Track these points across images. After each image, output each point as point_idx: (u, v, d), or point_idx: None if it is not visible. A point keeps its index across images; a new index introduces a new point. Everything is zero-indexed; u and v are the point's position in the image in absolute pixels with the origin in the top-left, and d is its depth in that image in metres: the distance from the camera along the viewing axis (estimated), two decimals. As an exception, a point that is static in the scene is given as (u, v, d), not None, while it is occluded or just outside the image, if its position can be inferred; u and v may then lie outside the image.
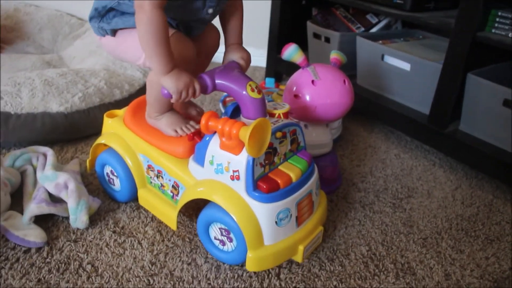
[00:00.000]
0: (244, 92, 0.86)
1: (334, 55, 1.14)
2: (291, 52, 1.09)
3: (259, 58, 1.97)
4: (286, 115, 0.94)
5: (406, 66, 1.43)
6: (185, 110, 1.09)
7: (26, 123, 1.30)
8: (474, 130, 1.31)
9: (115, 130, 1.08)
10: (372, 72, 1.54)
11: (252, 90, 0.86)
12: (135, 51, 0.95)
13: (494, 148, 1.26)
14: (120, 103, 1.45)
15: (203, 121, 0.85)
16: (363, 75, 1.58)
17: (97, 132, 1.38)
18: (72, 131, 1.36)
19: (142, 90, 1.54)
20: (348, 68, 1.50)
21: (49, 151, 1.17)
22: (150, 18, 0.81)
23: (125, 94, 1.48)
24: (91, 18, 1.01)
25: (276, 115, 0.93)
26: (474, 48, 1.23)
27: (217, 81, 0.88)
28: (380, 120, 1.57)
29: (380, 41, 1.55)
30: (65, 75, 1.44)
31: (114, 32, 0.99)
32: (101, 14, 0.97)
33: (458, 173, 1.37)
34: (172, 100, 0.86)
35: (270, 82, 1.56)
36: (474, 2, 1.18)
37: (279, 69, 1.82)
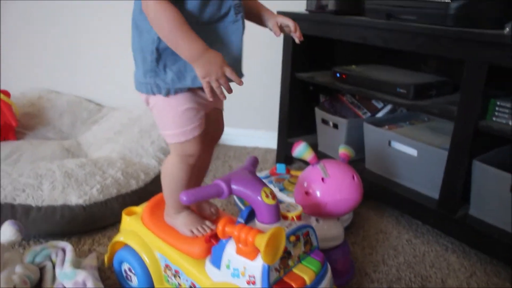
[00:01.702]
0: (259, 198, 0.90)
1: (343, 150, 1.20)
2: (301, 151, 1.14)
3: (270, 140, 2.03)
4: (299, 217, 0.97)
5: (413, 152, 1.48)
6: (200, 208, 1.13)
7: (46, 215, 1.35)
8: (484, 215, 1.33)
9: (133, 228, 1.12)
10: (380, 157, 1.59)
11: (267, 196, 0.90)
12: (168, 121, 0.97)
13: (505, 233, 1.27)
14: (136, 193, 1.50)
15: (219, 227, 0.89)
16: (371, 160, 1.63)
17: (114, 223, 1.43)
18: (90, 223, 1.40)
19: (157, 179, 1.58)
20: (357, 152, 1.55)
21: (67, 246, 1.21)
22: (159, 9, 0.83)
23: (141, 184, 1.53)
24: (144, 75, 0.96)
25: (290, 217, 0.96)
26: (477, 135, 1.28)
27: (232, 187, 0.92)
28: (390, 205, 1.60)
29: (387, 126, 1.61)
30: (83, 166, 1.51)
31: (167, 93, 0.95)
32: (153, 66, 0.94)
33: (471, 258, 1.37)
34: (205, 88, 0.85)
35: (281, 168, 1.61)
36: (474, 93, 1.23)
37: (289, 152, 1.86)
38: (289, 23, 1.04)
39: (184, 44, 0.85)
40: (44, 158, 1.72)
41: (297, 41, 1.06)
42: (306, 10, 1.71)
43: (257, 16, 1.06)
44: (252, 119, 2.13)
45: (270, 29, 1.06)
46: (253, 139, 2.14)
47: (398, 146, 1.53)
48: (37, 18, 2.24)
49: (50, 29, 2.25)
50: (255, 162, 1.03)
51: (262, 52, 1.95)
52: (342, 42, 1.64)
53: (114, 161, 1.58)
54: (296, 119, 1.86)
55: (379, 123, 1.62)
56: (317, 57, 1.82)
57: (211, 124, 1.06)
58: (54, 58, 2.29)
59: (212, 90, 0.86)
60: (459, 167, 1.32)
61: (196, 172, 1.07)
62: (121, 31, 2.15)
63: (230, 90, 0.88)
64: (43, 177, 1.44)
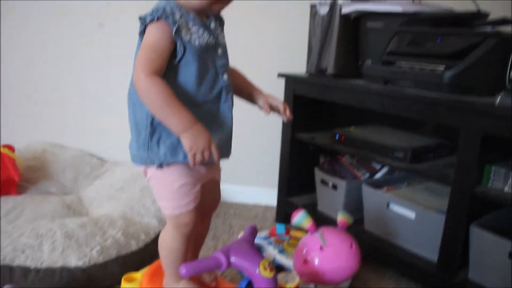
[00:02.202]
0: (257, 271, 0.91)
1: (341, 217, 1.21)
2: (299, 219, 1.15)
3: (270, 197, 2.05)
4: (296, 288, 0.98)
5: (411, 214, 1.49)
6: (200, 275, 1.13)
7: (44, 278, 1.35)
8: (484, 280, 1.33)
9: (132, 295, 1.12)
10: (378, 218, 1.59)
11: (265, 269, 0.92)
12: (165, 193, 1.00)
13: (506, 301, 1.26)
14: (136, 254, 1.50)
15: (218, 302, 0.89)
16: (370, 221, 1.64)
17: (113, 285, 1.42)
18: (89, 285, 1.39)
19: (157, 239, 1.59)
20: (356, 212, 1.57)
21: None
22: (148, 85, 0.87)
23: (141, 245, 1.53)
24: (138, 149, 1.00)
25: (287, 290, 0.97)
26: (474, 200, 1.29)
27: (231, 259, 0.93)
28: (390, 267, 1.59)
29: (385, 188, 1.63)
30: (84, 226, 1.51)
31: (160, 166, 0.98)
32: (147, 141, 0.97)
33: (472, 324, 1.35)
34: (190, 159, 0.89)
35: (280, 228, 1.61)
36: (470, 159, 1.26)
37: (289, 211, 1.87)
38: (278, 104, 1.09)
39: (172, 117, 0.89)
40: (45, 216, 1.72)
41: (285, 120, 1.11)
42: (306, 72, 1.76)
43: (247, 95, 1.12)
44: (253, 176, 2.15)
45: (260, 107, 1.11)
46: (254, 196, 2.15)
47: (396, 208, 1.54)
48: (42, 72, 2.31)
49: (55, 82, 2.31)
50: (254, 232, 1.05)
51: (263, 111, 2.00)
52: (342, 104, 1.69)
53: (115, 221, 1.59)
54: (296, 178, 1.88)
55: (377, 185, 1.64)
56: (317, 118, 1.86)
57: (207, 195, 1.08)
58: (59, 111, 2.34)
59: (195, 160, 0.90)
60: (456, 231, 1.32)
61: (193, 241, 1.09)
62: (125, 87, 2.21)
63: (218, 161, 0.93)
64: (43, 237, 1.45)
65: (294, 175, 1.87)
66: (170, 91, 0.89)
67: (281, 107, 1.09)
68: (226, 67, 1.01)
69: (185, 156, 0.93)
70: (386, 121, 1.83)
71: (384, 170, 1.74)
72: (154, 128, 0.95)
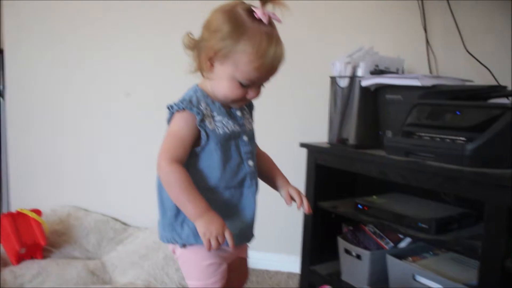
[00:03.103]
0: None
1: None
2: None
3: (292, 264, 2.03)
4: None
5: (438, 287, 1.46)
6: None
7: None
8: None
9: None
10: (405, 290, 1.57)
11: None
12: (193, 273, 1.02)
13: None
14: (159, 326, 1.49)
15: None
16: (396, 292, 1.61)
17: None
18: None
19: (180, 309, 1.60)
20: (381, 282, 1.54)
21: None
22: (168, 172, 0.91)
23: (164, 315, 1.53)
24: (163, 228, 1.03)
25: None
26: (505, 275, 1.26)
27: None
28: None
29: (410, 258, 1.61)
30: (108, 296, 1.52)
31: (183, 246, 1.02)
32: (171, 221, 1.01)
33: None
34: (205, 244, 0.90)
35: (304, 299, 1.60)
36: (497, 233, 1.23)
37: (312, 280, 1.86)
38: (296, 198, 1.11)
39: (188, 203, 0.93)
40: (70, 282, 1.74)
41: (306, 212, 1.12)
42: (328, 142, 1.79)
43: (272, 181, 1.15)
44: (274, 243, 2.15)
45: (282, 197, 1.14)
46: (275, 263, 2.14)
47: (422, 280, 1.51)
48: (68, 138, 2.40)
49: (81, 149, 2.40)
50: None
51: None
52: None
53: (138, 290, 1.59)
54: (318, 246, 1.87)
55: (402, 255, 1.62)
56: (339, 186, 1.87)
57: (235, 272, 1.09)
58: (84, 176, 2.41)
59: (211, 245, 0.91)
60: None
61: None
62: (149, 153, 2.27)
63: (232, 245, 0.93)
64: (68, 308, 1.46)
65: (317, 243, 1.87)
66: (188, 179, 0.93)
67: (298, 200, 1.10)
68: (251, 154, 1.04)
69: None
70: (408, 188, 1.83)
71: (409, 238, 1.72)
72: (179, 210, 0.99)
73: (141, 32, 2.25)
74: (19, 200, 2.44)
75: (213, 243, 0.90)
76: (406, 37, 1.92)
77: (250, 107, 1.11)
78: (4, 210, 2.49)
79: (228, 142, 1.00)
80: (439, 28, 1.85)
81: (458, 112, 1.45)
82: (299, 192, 1.12)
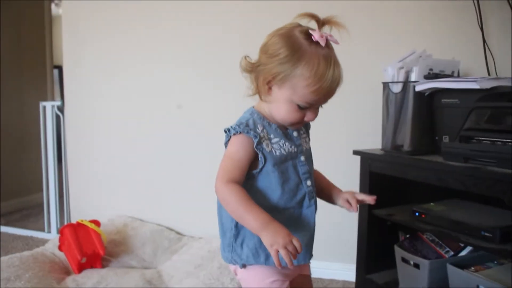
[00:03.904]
0: None
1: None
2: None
3: (347, 273, 2.00)
4: None
5: (505, 298, 1.40)
6: None
7: None
8: None
9: None
10: (468, 301, 1.50)
11: None
12: None
13: None
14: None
15: None
16: (458, 303, 1.55)
17: None
18: None
19: (236, 319, 1.60)
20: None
21: None
22: (225, 190, 0.92)
23: (221, 326, 1.54)
24: (224, 249, 1.05)
25: None
26: None
27: None
28: None
29: (473, 268, 1.54)
30: (167, 305, 1.55)
31: (243, 267, 1.03)
32: (231, 242, 1.02)
33: None
34: (273, 256, 0.86)
35: (361, 309, 1.57)
36: None
37: (368, 289, 1.83)
38: (351, 200, 1.10)
39: (249, 217, 0.91)
40: (128, 291, 1.79)
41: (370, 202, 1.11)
42: (382, 149, 1.76)
43: (327, 194, 1.14)
44: (330, 251, 2.12)
45: (341, 207, 1.13)
46: (330, 271, 2.11)
47: (487, 291, 1.45)
48: (123, 150, 2.48)
49: (137, 160, 2.47)
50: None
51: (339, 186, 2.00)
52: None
53: (195, 299, 1.62)
54: (374, 254, 1.83)
55: (463, 263, 1.55)
56: (394, 193, 1.82)
57: None
58: (139, 186, 2.48)
59: (280, 259, 0.88)
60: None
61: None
62: (202, 164, 2.31)
63: (297, 258, 0.90)
64: (128, 315, 1.50)
65: (373, 251, 1.83)
66: (246, 195, 0.93)
67: (354, 203, 1.10)
68: (309, 173, 1.04)
69: (267, 258, 0.97)
70: (467, 195, 1.76)
71: (470, 247, 1.65)
72: (238, 230, 1.00)
73: (195, 46, 2.30)
74: (78, 211, 2.54)
75: (283, 252, 0.86)
76: (461, 38, 1.86)
77: (306, 126, 1.11)
78: (65, 221, 2.60)
79: (285, 163, 1.00)
80: (497, 26, 1.78)
81: (520, 115, 1.39)
82: (351, 193, 1.12)
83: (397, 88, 1.69)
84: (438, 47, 1.80)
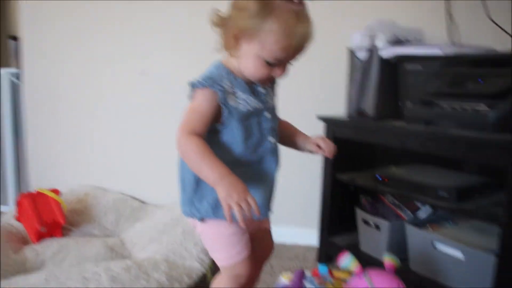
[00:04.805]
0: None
1: (388, 260, 1.19)
2: (346, 262, 1.16)
3: (310, 237, 2.03)
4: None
5: (458, 254, 1.45)
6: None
7: (92, 321, 1.36)
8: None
9: None
10: (424, 259, 1.56)
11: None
12: (216, 246, 1.03)
13: None
14: (180, 298, 1.50)
15: None
16: (416, 261, 1.60)
17: (158, 329, 1.43)
18: (134, 329, 1.40)
19: (199, 282, 1.61)
20: (400, 252, 1.55)
21: None
22: (186, 141, 0.91)
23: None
24: (183, 203, 1.05)
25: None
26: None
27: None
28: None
29: (429, 227, 1.60)
30: (129, 270, 1.53)
31: (202, 220, 1.02)
32: (190, 196, 1.02)
33: None
34: (225, 211, 0.86)
35: (323, 269, 1.58)
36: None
37: (330, 251, 1.87)
38: (322, 143, 1.11)
39: (206, 168, 0.90)
40: (89, 258, 1.76)
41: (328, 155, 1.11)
42: (346, 114, 1.77)
43: (294, 141, 1.14)
44: (292, 216, 2.14)
45: (309, 151, 1.13)
46: (293, 236, 2.13)
47: (443, 248, 1.50)
48: (85, 118, 2.41)
49: (98, 128, 2.40)
50: (301, 277, 1.05)
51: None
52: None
53: (158, 264, 1.60)
54: (337, 217, 1.87)
55: (421, 224, 1.61)
56: (357, 158, 1.86)
57: (259, 244, 1.09)
58: (102, 155, 2.42)
59: (232, 217, 0.87)
60: (510, 273, 1.28)
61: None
62: (165, 131, 2.27)
63: (250, 217, 0.88)
64: (89, 281, 1.47)
65: (335, 215, 1.87)
66: (206, 147, 0.92)
67: (325, 146, 1.10)
68: (273, 130, 1.04)
69: None
70: (427, 160, 1.81)
71: (428, 208, 1.71)
72: (198, 185, 1.00)
73: (158, 9, 2.23)
74: (38, 180, 2.46)
75: (235, 208, 0.85)
76: (425, 6, 1.88)
77: (273, 82, 1.10)
78: (24, 191, 2.51)
79: (249, 119, 1.00)
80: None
81: (480, 80, 1.42)
82: (323, 137, 1.12)
83: (362, 55, 1.70)
84: (403, 15, 1.82)
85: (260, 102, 1.01)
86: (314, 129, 1.81)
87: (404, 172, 1.68)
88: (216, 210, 0.99)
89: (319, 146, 1.11)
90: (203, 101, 0.96)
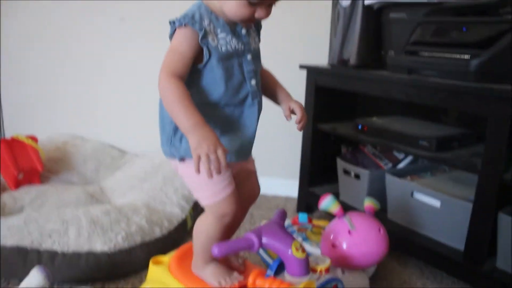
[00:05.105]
0: (289, 252, 0.91)
1: (368, 203, 1.21)
2: (327, 204, 1.16)
3: (290, 188, 2.05)
4: (327, 270, 0.98)
5: (436, 203, 1.48)
6: (228, 260, 1.13)
7: (71, 262, 1.36)
8: (512, 267, 1.32)
9: (160, 277, 1.13)
10: (402, 208, 1.59)
11: (297, 250, 0.92)
12: (197, 185, 1.01)
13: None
14: (160, 241, 1.51)
15: (250, 279, 0.90)
16: (393, 210, 1.63)
17: (137, 271, 1.44)
18: (114, 270, 1.40)
19: (180, 227, 1.62)
20: (380, 202, 1.55)
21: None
22: (165, 84, 0.90)
23: (164, 232, 1.55)
24: (163, 144, 1.04)
25: (318, 270, 0.97)
26: (503, 187, 1.28)
27: (263, 240, 0.94)
28: (413, 256, 1.59)
29: (409, 177, 1.62)
30: (109, 213, 1.53)
31: (183, 159, 1.02)
32: (170, 136, 1.01)
33: (499, 314, 1.35)
34: (194, 160, 0.85)
35: (303, 217, 1.61)
36: (498, 147, 1.24)
37: (310, 201, 1.89)
38: (298, 112, 1.08)
39: (182, 115, 0.89)
40: (69, 204, 1.75)
41: (298, 129, 1.10)
42: (328, 63, 1.76)
43: (274, 96, 1.12)
44: (272, 167, 2.15)
45: (283, 111, 1.11)
46: (273, 187, 2.15)
47: (420, 197, 1.53)
48: (63, 65, 2.34)
49: (76, 76, 2.34)
50: (283, 216, 1.05)
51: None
52: (364, 94, 1.69)
53: (139, 209, 1.60)
54: (317, 168, 1.88)
55: (400, 174, 1.63)
56: (339, 108, 1.86)
57: (244, 186, 1.09)
58: (80, 104, 2.37)
59: (200, 166, 0.86)
60: (484, 220, 1.31)
61: (229, 228, 1.08)
62: (145, 79, 2.24)
63: (218, 171, 0.87)
64: (69, 223, 1.47)
65: (316, 165, 1.88)
66: (186, 93, 0.90)
67: (299, 115, 1.08)
68: (254, 73, 1.01)
69: None
70: (408, 112, 1.83)
71: (407, 160, 1.73)
72: (178, 135, 0.99)
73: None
74: (13, 128, 2.41)
75: (203, 159, 0.84)
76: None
77: (257, 26, 1.07)
78: (-1, 138, 2.46)
79: (230, 60, 0.97)
80: None
81: (464, 29, 1.42)
82: (301, 106, 1.09)
83: (346, 2, 1.67)
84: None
85: (242, 43, 0.99)
86: (296, 79, 1.81)
87: (384, 121, 1.69)
88: None
89: (293, 112, 1.09)
90: (184, 41, 0.93)
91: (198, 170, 0.86)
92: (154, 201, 1.70)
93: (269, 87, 1.12)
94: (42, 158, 2.05)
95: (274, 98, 1.13)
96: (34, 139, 2.09)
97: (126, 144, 2.36)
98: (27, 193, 1.85)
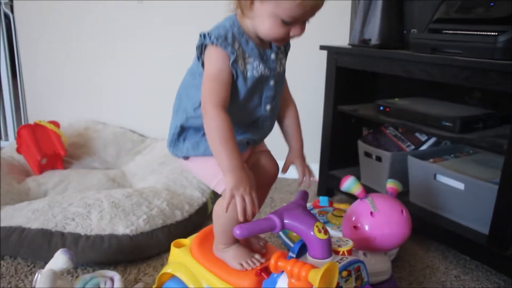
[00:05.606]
0: (311, 233, 0.90)
1: (391, 184, 1.19)
2: (349, 185, 1.15)
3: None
4: (350, 252, 0.97)
5: (459, 185, 1.45)
6: (249, 242, 1.13)
7: (94, 244, 1.38)
8: (538, 252, 1.29)
9: (182, 259, 1.13)
10: (425, 190, 1.56)
11: (319, 231, 0.91)
12: (208, 175, 1.02)
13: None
14: (181, 224, 1.52)
15: (272, 261, 0.89)
16: (416, 193, 1.61)
17: (159, 253, 1.45)
18: (136, 253, 1.42)
19: (201, 210, 1.62)
20: (402, 184, 1.53)
21: (116, 276, 1.22)
22: (212, 117, 0.90)
23: (185, 215, 1.56)
24: (168, 143, 1.06)
25: (341, 252, 0.96)
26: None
27: (285, 221, 0.93)
28: (436, 239, 1.56)
29: (431, 159, 1.59)
30: (130, 197, 1.54)
31: (186, 157, 1.04)
32: (174, 138, 1.03)
33: (524, 297, 1.32)
34: (227, 198, 0.88)
35: (324, 200, 1.60)
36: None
37: (331, 184, 1.87)
38: (299, 173, 1.14)
39: (224, 155, 0.90)
40: (91, 188, 1.77)
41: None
42: (349, 44, 1.73)
43: (287, 141, 1.15)
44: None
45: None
46: (294, 170, 2.13)
47: (444, 179, 1.50)
48: (84, 51, 2.35)
49: (97, 62, 2.35)
50: (305, 196, 1.05)
51: (305, 83, 1.98)
52: (385, 75, 1.66)
53: (160, 192, 1.61)
54: (338, 151, 1.86)
55: (423, 156, 1.60)
56: (360, 90, 1.83)
57: (259, 166, 1.08)
58: (100, 90, 2.39)
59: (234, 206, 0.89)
60: (510, 202, 1.28)
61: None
62: (165, 63, 2.23)
63: (254, 212, 0.90)
64: (91, 206, 1.48)
65: (336, 148, 1.86)
66: (230, 130, 0.91)
67: (301, 179, 1.14)
68: (272, 98, 1.01)
69: (205, 150, 0.97)
70: (430, 93, 1.79)
71: (430, 142, 1.70)
72: (184, 129, 1.00)
73: None
74: (36, 114, 2.44)
75: (238, 199, 0.88)
76: None
77: (286, 46, 1.05)
78: (22, 123, 2.50)
79: (254, 85, 0.96)
80: None
81: (491, 4, 1.37)
82: (303, 171, 1.15)
83: (368, -20, 1.63)
84: None
85: (268, 69, 0.97)
86: (317, 60, 1.78)
87: (407, 103, 1.65)
88: (196, 147, 1.00)
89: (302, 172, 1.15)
90: (221, 65, 0.91)
91: (227, 209, 0.90)
92: (175, 184, 1.70)
93: (287, 134, 1.14)
94: (64, 143, 2.08)
95: (287, 142, 1.15)
96: (56, 124, 2.12)
97: (146, 129, 2.37)
98: (51, 178, 1.89)
